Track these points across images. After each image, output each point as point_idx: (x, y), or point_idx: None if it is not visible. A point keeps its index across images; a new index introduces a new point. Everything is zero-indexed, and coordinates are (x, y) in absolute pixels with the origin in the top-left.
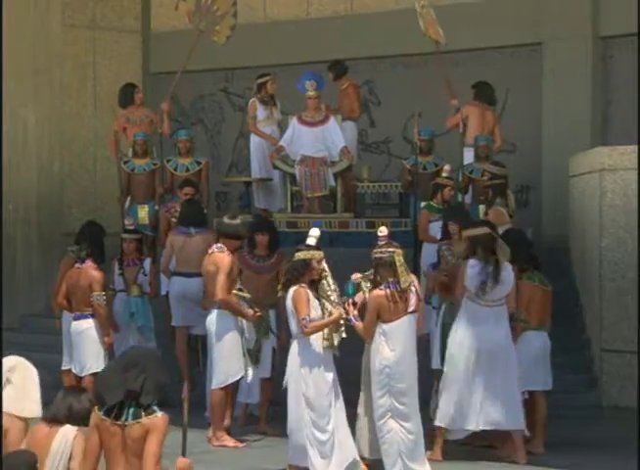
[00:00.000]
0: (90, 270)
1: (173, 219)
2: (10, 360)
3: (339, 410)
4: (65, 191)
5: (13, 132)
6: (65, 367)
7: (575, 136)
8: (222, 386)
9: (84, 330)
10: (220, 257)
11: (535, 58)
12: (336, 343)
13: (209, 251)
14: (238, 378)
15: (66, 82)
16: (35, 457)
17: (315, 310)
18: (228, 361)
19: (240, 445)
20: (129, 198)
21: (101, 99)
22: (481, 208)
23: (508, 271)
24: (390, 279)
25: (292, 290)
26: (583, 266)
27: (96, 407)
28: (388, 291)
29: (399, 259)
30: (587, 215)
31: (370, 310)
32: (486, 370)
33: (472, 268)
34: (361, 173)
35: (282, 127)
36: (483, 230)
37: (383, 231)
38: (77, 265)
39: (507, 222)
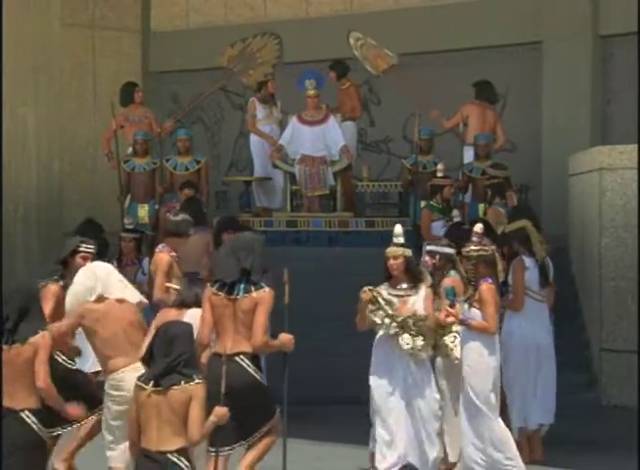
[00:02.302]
0: None
1: None
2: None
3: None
4: (65, 191)
5: (13, 132)
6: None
7: (575, 136)
8: None
9: None
10: (159, 256)
11: (535, 57)
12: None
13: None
14: None
15: (66, 82)
16: (192, 327)
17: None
18: None
19: None
20: (129, 197)
21: (101, 98)
22: (481, 207)
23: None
24: (492, 276)
25: None
26: (583, 266)
27: (209, 284)
28: (495, 284)
29: (499, 257)
30: (587, 215)
31: (491, 302)
32: (546, 364)
33: (528, 264)
34: (361, 173)
35: (282, 126)
36: (521, 224)
37: (480, 228)
38: None
39: (505, 222)
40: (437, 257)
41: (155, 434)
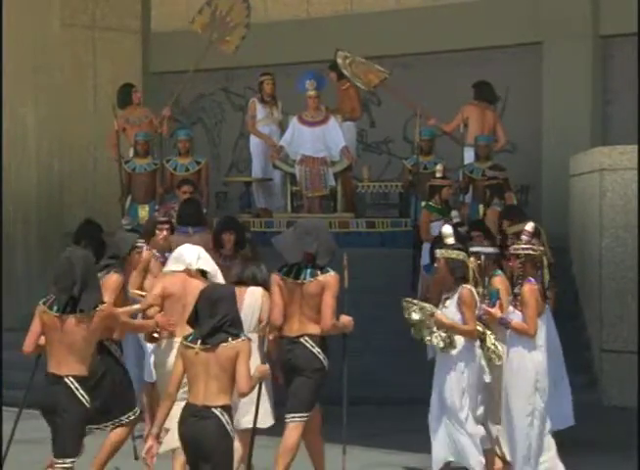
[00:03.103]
0: None
1: (172, 220)
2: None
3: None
4: (65, 191)
5: (13, 132)
6: None
7: (575, 136)
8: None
9: None
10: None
11: (536, 58)
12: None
13: None
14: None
15: (66, 82)
16: (234, 289)
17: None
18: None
19: None
20: (130, 198)
21: (101, 99)
22: (482, 208)
23: None
24: (537, 277)
25: None
26: (583, 266)
27: (276, 269)
28: (539, 285)
29: (546, 258)
30: (587, 215)
31: (531, 305)
32: (558, 369)
33: None
34: (361, 173)
35: (282, 127)
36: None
37: (531, 227)
38: None
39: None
40: (482, 257)
41: (202, 390)
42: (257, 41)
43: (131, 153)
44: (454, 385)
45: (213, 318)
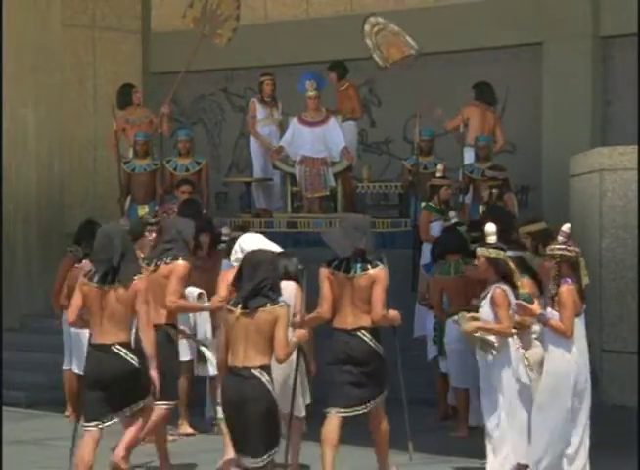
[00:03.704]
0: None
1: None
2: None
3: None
4: (65, 191)
5: (13, 132)
6: (66, 367)
7: (575, 136)
8: None
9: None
10: None
11: (536, 58)
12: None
13: None
14: None
15: (66, 82)
16: (274, 255)
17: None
18: None
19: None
20: (129, 198)
21: (101, 99)
22: (481, 208)
23: None
24: (573, 278)
25: None
26: None
27: (325, 264)
28: (576, 285)
29: (583, 260)
30: (587, 216)
31: (569, 306)
32: None
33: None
34: (361, 174)
35: (282, 128)
36: (541, 226)
37: (567, 228)
38: (77, 265)
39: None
40: None
41: (241, 352)
42: (257, 41)
43: (131, 153)
44: (492, 387)
45: (253, 281)
